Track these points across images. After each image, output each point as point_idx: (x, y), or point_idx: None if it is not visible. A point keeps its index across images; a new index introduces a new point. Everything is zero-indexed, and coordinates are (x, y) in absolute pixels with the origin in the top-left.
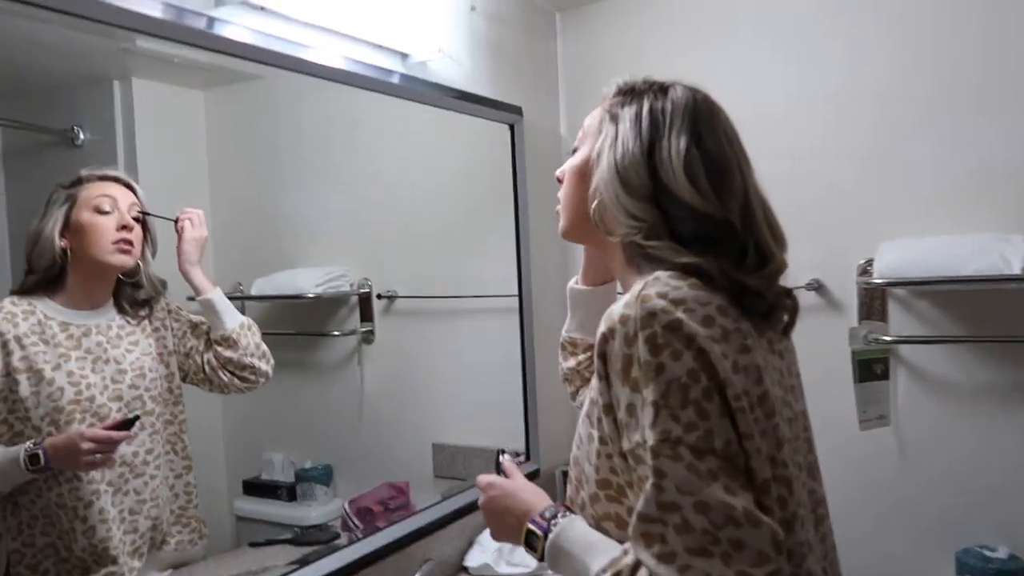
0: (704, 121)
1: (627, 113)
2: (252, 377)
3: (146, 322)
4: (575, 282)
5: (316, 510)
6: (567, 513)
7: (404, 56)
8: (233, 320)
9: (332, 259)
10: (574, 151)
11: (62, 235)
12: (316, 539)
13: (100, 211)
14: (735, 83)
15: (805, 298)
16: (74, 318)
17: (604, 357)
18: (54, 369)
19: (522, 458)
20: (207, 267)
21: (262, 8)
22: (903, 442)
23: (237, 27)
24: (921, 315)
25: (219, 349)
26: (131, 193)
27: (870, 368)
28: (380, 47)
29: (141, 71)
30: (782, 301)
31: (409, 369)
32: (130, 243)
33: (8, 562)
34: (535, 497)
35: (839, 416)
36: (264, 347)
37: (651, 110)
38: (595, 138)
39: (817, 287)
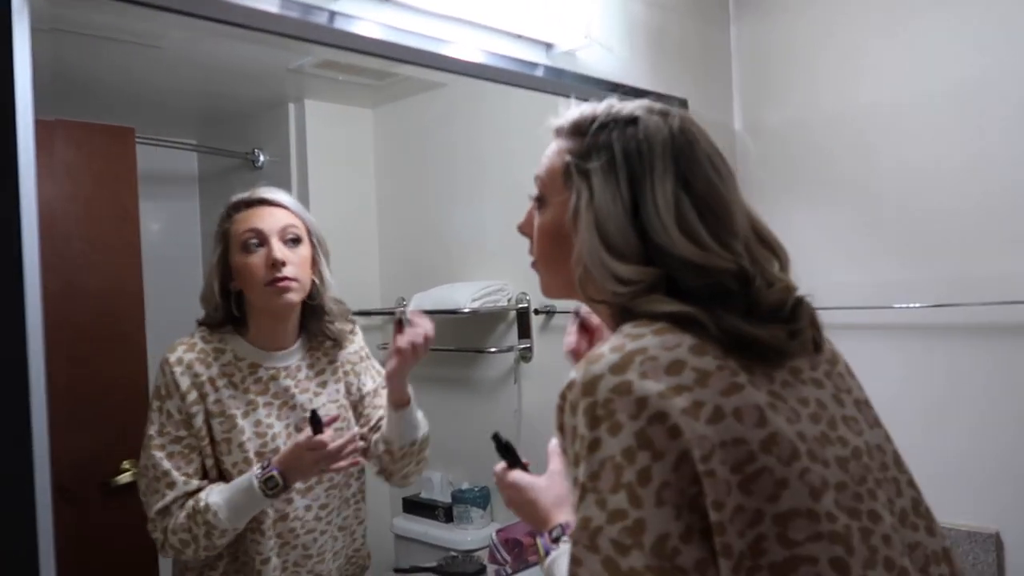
0: (687, 156)
1: (596, 165)
2: (391, 480)
3: (337, 363)
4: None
5: (472, 534)
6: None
7: (548, 46)
8: (404, 439)
9: (490, 273)
10: (537, 200)
11: (227, 278)
12: (461, 570)
13: (247, 249)
14: (937, 65)
15: None
16: (263, 359)
17: (561, 430)
18: (243, 417)
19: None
20: (374, 281)
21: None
22: None
23: (363, 21)
24: None
25: (380, 445)
26: (284, 213)
27: None
28: (520, 37)
29: (313, 92)
30: (799, 317)
31: None
32: (285, 279)
33: None
34: (554, 503)
35: None
36: (423, 462)
37: (625, 154)
38: (562, 193)
39: None
